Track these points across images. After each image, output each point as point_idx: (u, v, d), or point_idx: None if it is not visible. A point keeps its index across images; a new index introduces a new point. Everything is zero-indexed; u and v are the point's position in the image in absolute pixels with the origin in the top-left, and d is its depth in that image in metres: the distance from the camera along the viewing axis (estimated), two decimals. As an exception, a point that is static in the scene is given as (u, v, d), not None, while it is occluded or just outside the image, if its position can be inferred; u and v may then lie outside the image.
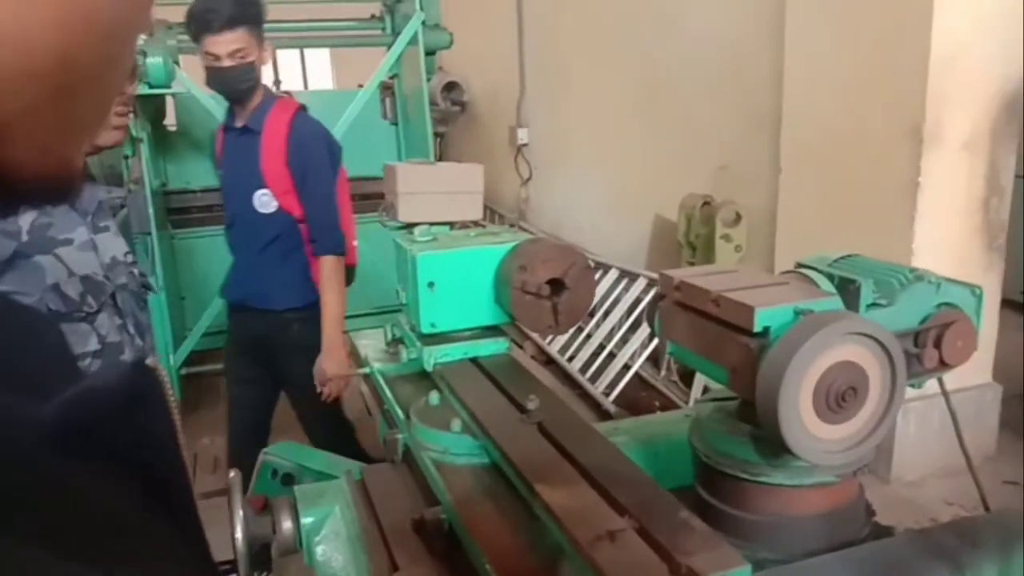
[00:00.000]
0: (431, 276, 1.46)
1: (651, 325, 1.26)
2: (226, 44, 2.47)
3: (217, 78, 2.55)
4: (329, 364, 2.63)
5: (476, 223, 1.81)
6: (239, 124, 2.68)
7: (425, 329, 1.47)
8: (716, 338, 1.08)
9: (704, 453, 1.17)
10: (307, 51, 8.79)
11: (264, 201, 2.67)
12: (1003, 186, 3.17)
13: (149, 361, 0.37)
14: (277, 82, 8.30)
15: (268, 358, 2.81)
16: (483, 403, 1.29)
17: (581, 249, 1.55)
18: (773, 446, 1.07)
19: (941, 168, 3.03)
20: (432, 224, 1.67)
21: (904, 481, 3.17)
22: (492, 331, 1.53)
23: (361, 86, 5.42)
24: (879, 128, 3.13)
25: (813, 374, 0.95)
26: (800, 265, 1.24)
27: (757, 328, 1.00)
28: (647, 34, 4.63)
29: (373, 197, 5.05)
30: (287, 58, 8.48)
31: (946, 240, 3.12)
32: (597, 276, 4.03)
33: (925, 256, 3.05)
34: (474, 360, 1.48)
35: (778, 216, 3.66)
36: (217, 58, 2.49)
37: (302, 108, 2.75)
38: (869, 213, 3.22)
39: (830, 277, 1.16)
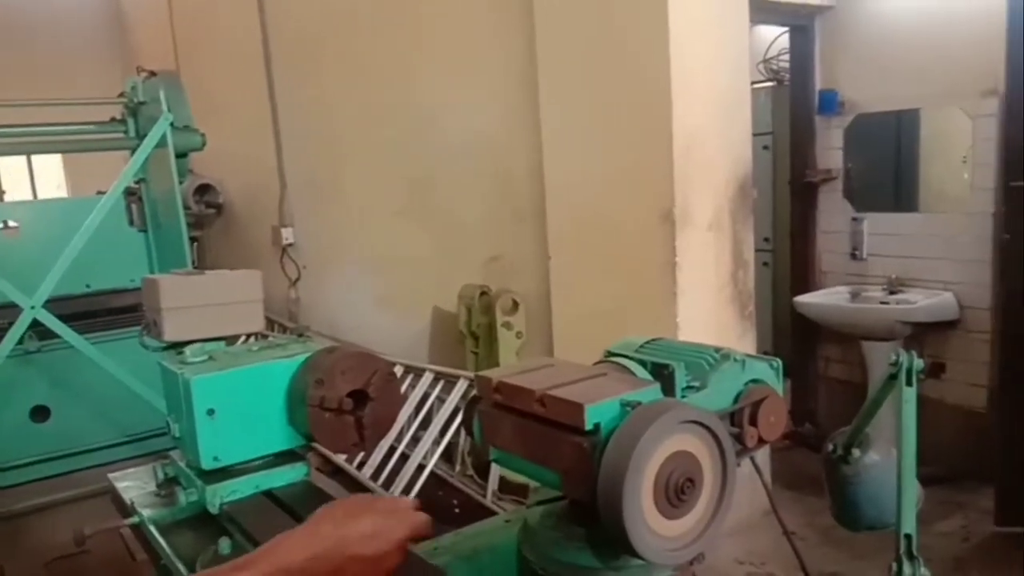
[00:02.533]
0: (210, 402, 1.28)
1: (469, 431, 1.18)
2: None
3: None
4: None
5: (257, 335, 1.64)
6: None
7: (206, 464, 1.28)
8: (544, 440, 1.01)
9: (538, 563, 1.09)
10: (36, 157, 7.95)
11: None
12: (746, 259, 3.50)
13: None
14: (0, 192, 7.44)
15: None
16: (287, 544, 1.13)
17: (380, 354, 1.44)
18: (612, 548, 1.01)
19: (693, 248, 3.29)
20: (205, 341, 1.48)
21: (696, 546, 3.28)
22: (287, 456, 1.36)
23: (101, 192, 4.97)
24: (635, 214, 3.35)
25: (652, 468, 0.91)
26: (610, 353, 1.23)
27: (588, 425, 0.95)
28: (409, 132, 4.69)
29: (120, 312, 4.59)
30: (11, 164, 7.62)
31: (705, 312, 3.36)
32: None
33: (688, 329, 3.26)
34: (269, 493, 1.31)
35: (552, 301, 3.78)
36: None
37: None
38: (635, 292, 3.40)
39: (643, 363, 1.15)
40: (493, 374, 1.10)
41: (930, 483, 1.21)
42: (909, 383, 1.03)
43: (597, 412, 0.95)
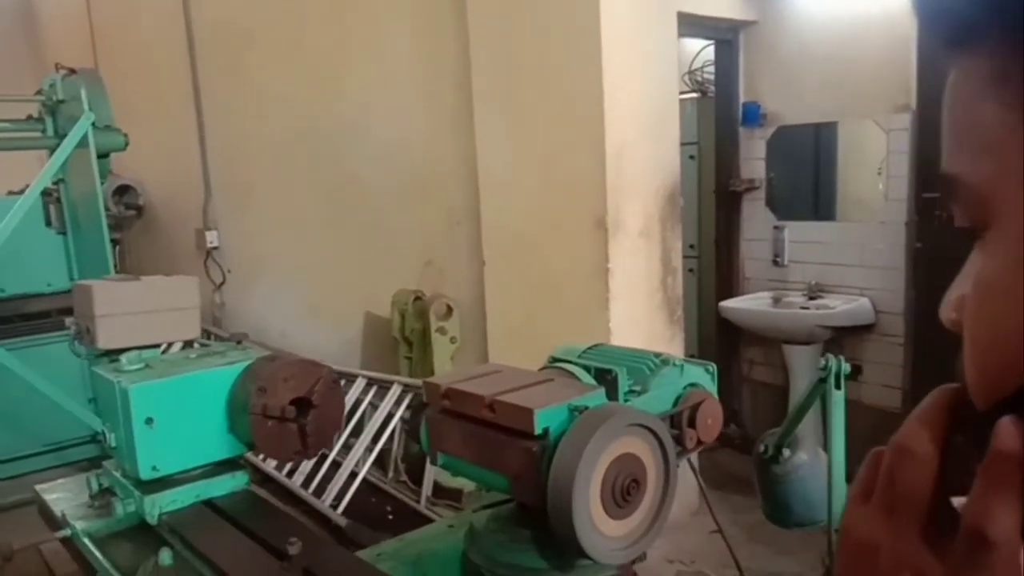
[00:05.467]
0: (148, 411, 1.25)
1: (415, 438, 1.19)
2: None
3: None
4: None
5: (193, 342, 1.61)
6: None
7: (145, 474, 1.25)
8: (493, 445, 1.03)
9: (485, 566, 1.11)
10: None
11: None
12: (675, 266, 3.59)
13: None
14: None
15: None
16: (231, 555, 1.11)
17: (320, 360, 1.44)
18: (559, 549, 1.04)
19: (625, 254, 3.36)
20: (140, 348, 1.45)
21: (627, 547, 3.35)
22: (227, 465, 1.34)
23: (13, 193, 4.75)
24: (569, 220, 3.40)
25: (599, 471, 0.94)
26: (554, 359, 1.26)
27: (537, 430, 0.97)
28: (341, 134, 4.65)
29: (38, 317, 4.41)
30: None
31: (636, 317, 3.44)
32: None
33: (621, 334, 3.33)
34: (209, 503, 1.29)
35: (487, 306, 3.80)
36: None
37: None
38: (569, 297, 3.45)
39: (587, 369, 1.19)
40: (442, 380, 1.12)
41: (850, 481, 1.28)
42: (838, 386, 1.09)
43: (546, 417, 0.98)
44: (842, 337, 3.95)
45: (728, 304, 4.36)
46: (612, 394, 1.13)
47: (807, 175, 4.34)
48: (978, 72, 0.38)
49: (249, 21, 5.24)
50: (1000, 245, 0.38)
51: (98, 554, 1.27)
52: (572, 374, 1.16)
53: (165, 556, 1.17)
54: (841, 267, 4.05)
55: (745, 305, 4.34)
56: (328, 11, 4.63)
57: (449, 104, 3.88)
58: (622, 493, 0.96)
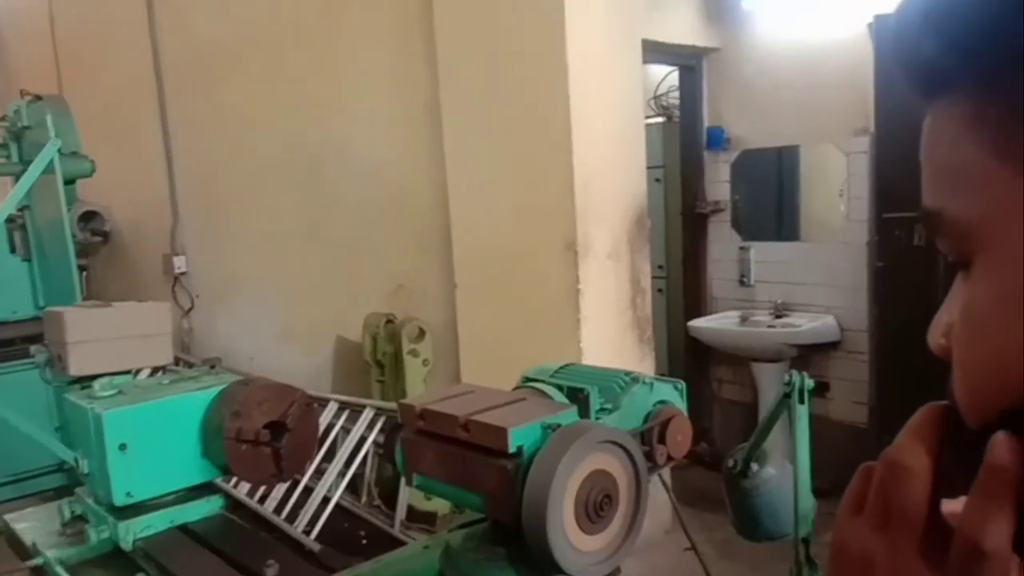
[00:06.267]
0: (122, 437, 1.26)
1: (390, 460, 1.20)
2: None
3: None
4: None
5: (164, 368, 1.61)
6: None
7: (119, 501, 1.25)
8: (468, 464, 1.05)
9: (461, 586, 1.12)
10: None
11: None
12: (644, 287, 3.64)
13: None
14: None
15: None
16: (208, 578, 1.12)
17: (296, 385, 1.45)
18: (533, 566, 1.06)
19: (594, 276, 3.41)
20: (113, 375, 1.45)
21: (601, 567, 3.36)
22: (201, 490, 1.35)
23: (-23, 219, 4.70)
24: (540, 243, 3.44)
25: (572, 487, 0.96)
26: (527, 379, 1.28)
27: (511, 448, 1.00)
28: (311, 160, 4.66)
29: (3, 344, 4.34)
30: None
31: (606, 337, 3.48)
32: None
33: (592, 353, 3.36)
34: (184, 527, 1.29)
35: (459, 328, 3.81)
36: None
37: None
38: (540, 319, 3.48)
39: (560, 388, 1.21)
40: (416, 401, 1.14)
41: (819, 495, 1.31)
42: (801, 401, 1.13)
43: (520, 435, 1.00)
44: (809, 354, 4.03)
45: (696, 323, 4.43)
46: (584, 412, 1.16)
47: (771, 197, 4.44)
48: (955, 115, 0.40)
49: (219, 46, 5.24)
50: (985, 276, 0.40)
51: (70, 582, 1.26)
52: (545, 393, 1.19)
53: (140, 582, 1.17)
54: (806, 286, 4.14)
55: (713, 324, 4.40)
56: (301, 36, 4.65)
57: (421, 129, 3.91)
58: (595, 508, 0.98)
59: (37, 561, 1.34)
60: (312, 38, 4.56)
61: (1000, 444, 0.37)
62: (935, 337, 0.45)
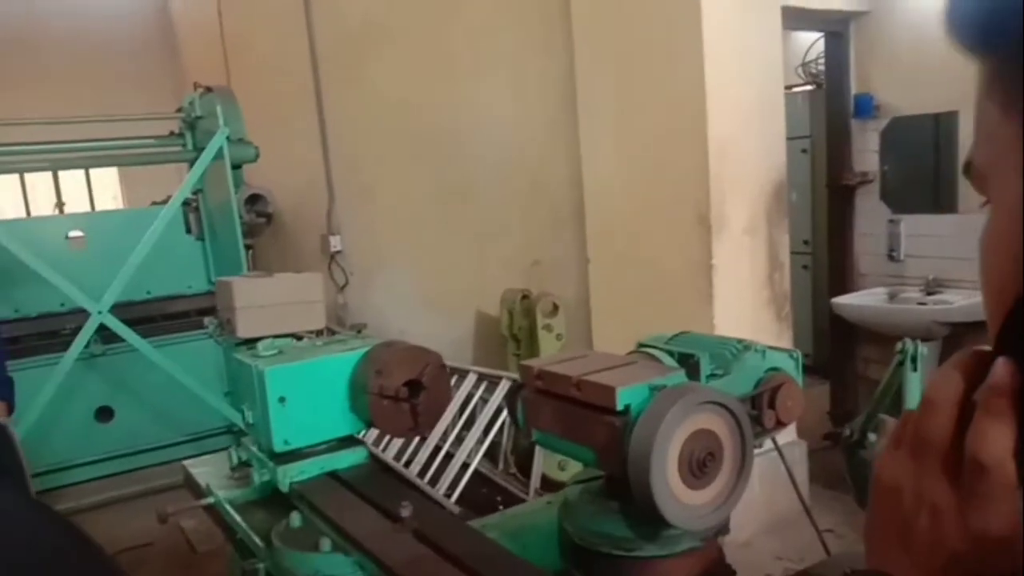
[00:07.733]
0: (281, 391, 1.42)
1: (512, 416, 1.30)
2: None
3: None
4: None
5: (319, 332, 1.78)
6: None
7: (278, 447, 1.41)
8: (580, 420, 1.13)
9: (577, 535, 1.21)
10: (93, 169, 8.28)
11: None
12: (782, 262, 3.57)
13: None
14: (60, 204, 7.76)
15: None
16: (351, 517, 1.26)
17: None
18: (642, 519, 1.12)
19: (729, 251, 3.37)
20: (275, 337, 1.63)
21: (735, 543, 3.36)
22: (348, 441, 1.50)
23: (156, 203, 5.20)
24: (672, 218, 3.45)
25: (676, 444, 1.02)
26: (641, 345, 1.34)
27: (619, 407, 1.07)
28: (451, 144, 4.84)
29: (178, 317, 4.79)
30: (66, 176, 7.93)
31: (741, 314, 3.44)
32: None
33: (725, 330, 3.32)
34: (333, 474, 1.44)
35: (591, 303, 3.88)
36: None
37: None
38: (672, 294, 3.49)
39: (671, 354, 1.27)
40: (535, 363, 1.23)
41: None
42: (915, 368, 1.13)
43: (627, 395, 1.07)
44: (963, 334, 3.81)
45: (841, 300, 4.27)
46: (694, 377, 1.21)
47: (924, 167, 4.20)
48: (984, 74, 0.46)
49: (368, 32, 5.51)
50: (995, 213, 0.46)
51: (238, 518, 1.45)
52: (656, 358, 1.25)
53: (295, 519, 1.33)
54: (961, 261, 3.90)
55: (859, 301, 4.24)
56: (445, 21, 4.82)
57: (557, 109, 3.99)
58: (699, 465, 1.03)
59: (209, 500, 1.54)
60: (456, 22, 4.71)
61: (1000, 366, 0.42)
62: None
